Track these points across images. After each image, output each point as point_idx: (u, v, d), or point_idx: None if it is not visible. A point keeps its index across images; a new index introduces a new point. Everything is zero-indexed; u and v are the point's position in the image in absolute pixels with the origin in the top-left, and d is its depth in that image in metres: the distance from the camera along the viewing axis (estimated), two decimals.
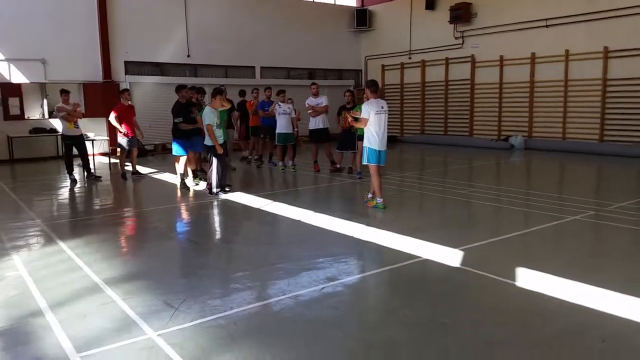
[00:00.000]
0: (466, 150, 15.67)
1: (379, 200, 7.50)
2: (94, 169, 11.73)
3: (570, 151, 14.03)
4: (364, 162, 7.63)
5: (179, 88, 9.91)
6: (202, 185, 9.73)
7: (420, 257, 5.16)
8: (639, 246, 5.77)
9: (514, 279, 4.48)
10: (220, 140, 8.69)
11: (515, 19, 15.67)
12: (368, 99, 7.54)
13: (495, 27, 16.25)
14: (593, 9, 13.86)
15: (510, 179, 10.97)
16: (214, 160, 8.68)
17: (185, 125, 9.58)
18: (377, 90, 7.56)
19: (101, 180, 11.03)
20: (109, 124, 15.29)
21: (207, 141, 8.69)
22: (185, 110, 9.64)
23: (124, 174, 11.14)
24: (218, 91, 8.92)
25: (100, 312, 3.98)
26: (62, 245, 5.91)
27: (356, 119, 7.89)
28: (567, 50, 14.52)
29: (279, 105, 11.71)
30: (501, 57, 16.20)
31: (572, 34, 14.45)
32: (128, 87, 11.99)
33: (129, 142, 11.23)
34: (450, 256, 5.13)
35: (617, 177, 10.75)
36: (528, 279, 4.47)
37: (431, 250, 5.36)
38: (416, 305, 4.03)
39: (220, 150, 8.62)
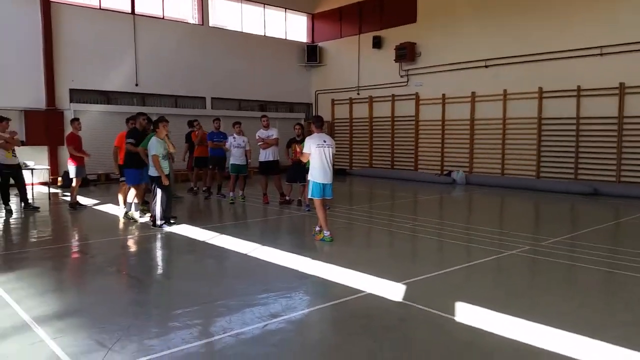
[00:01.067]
0: (411, 183, 16.10)
1: (326, 233, 7.56)
2: (32, 199, 11.21)
3: (508, 187, 14.67)
4: (309, 196, 7.79)
5: (137, 116, 9.84)
6: (147, 217, 9.47)
7: (364, 291, 5.20)
8: (573, 281, 6.05)
9: (454, 314, 4.58)
10: (166, 171, 8.55)
11: (456, 59, 16.49)
12: (312, 133, 7.77)
13: (438, 66, 17.02)
14: (529, 52, 14.79)
15: (452, 213, 11.33)
16: (159, 192, 8.50)
17: (132, 147, 9.30)
18: (320, 125, 7.84)
19: (39, 211, 10.55)
20: (52, 152, 14.72)
21: (152, 172, 8.52)
22: (141, 137, 9.40)
23: (74, 204, 10.70)
24: (161, 119, 8.79)
25: (27, 353, 3.76)
26: None
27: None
28: (505, 90, 15.36)
29: (234, 137, 11.71)
30: (443, 95, 16.92)
31: (509, 75, 15.32)
32: (77, 117, 11.64)
33: (79, 171, 10.82)
34: (394, 290, 5.21)
35: (552, 212, 11.30)
36: (468, 314, 4.59)
37: (375, 284, 5.42)
38: (358, 341, 4.04)
39: (166, 182, 8.47)
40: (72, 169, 10.77)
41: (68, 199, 11.13)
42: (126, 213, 9.49)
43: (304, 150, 7.65)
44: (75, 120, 11.23)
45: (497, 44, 15.53)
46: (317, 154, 7.50)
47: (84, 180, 11.70)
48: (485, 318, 4.47)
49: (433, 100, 17.27)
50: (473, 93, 16.14)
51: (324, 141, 7.60)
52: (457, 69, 16.52)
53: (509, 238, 7.87)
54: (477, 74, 16.09)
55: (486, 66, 15.87)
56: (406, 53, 17.50)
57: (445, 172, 16.54)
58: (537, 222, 10.58)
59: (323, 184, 7.55)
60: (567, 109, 14.18)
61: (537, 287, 5.78)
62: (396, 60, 17.90)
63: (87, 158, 10.92)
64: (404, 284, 5.42)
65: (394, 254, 7.30)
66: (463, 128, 16.55)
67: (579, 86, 13.89)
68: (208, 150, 12.65)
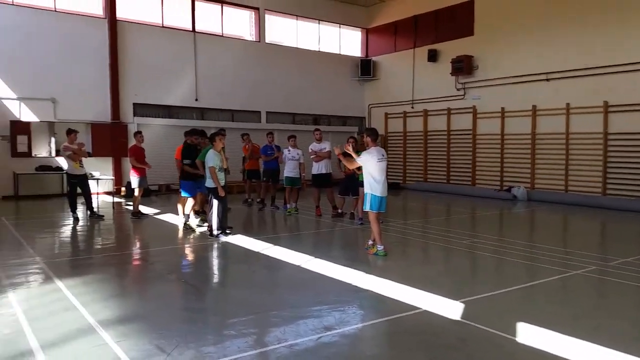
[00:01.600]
0: (469, 199, 15.68)
1: (380, 247, 7.44)
2: (97, 207, 11.76)
3: (572, 204, 14.00)
4: (365, 209, 7.65)
5: (190, 132, 10.26)
6: (205, 226, 9.71)
7: (420, 308, 5.08)
8: None
9: (515, 335, 4.39)
10: (222, 183, 8.75)
11: (516, 72, 16.04)
12: (368, 146, 7.64)
13: (497, 79, 16.60)
14: (593, 64, 14.18)
15: (513, 231, 10.92)
16: (215, 203, 8.71)
17: (189, 168, 9.70)
18: (376, 138, 7.69)
19: (104, 219, 11.05)
20: (116, 163, 15.44)
21: (209, 183, 8.75)
22: (195, 154, 9.79)
23: (137, 213, 11.19)
24: (217, 133, 9.04)
25: (92, 354, 3.91)
26: (60, 284, 5.86)
27: (344, 154, 7.91)
28: (567, 104, 14.76)
29: (289, 150, 11.89)
30: (502, 109, 16.46)
31: (572, 88, 14.72)
32: (140, 130, 12.28)
33: (141, 182, 11.26)
34: (451, 308, 5.05)
35: (620, 231, 10.68)
36: (530, 335, 4.38)
37: (431, 301, 5.28)
38: (414, 358, 3.94)
39: (222, 193, 8.66)
40: (134, 179, 11.22)
41: (131, 208, 11.59)
42: (185, 223, 9.78)
43: (362, 162, 7.52)
44: (138, 133, 11.72)
45: (558, 57, 14.99)
46: (377, 168, 7.40)
47: (145, 191, 12.16)
48: (549, 340, 4.25)
49: (491, 114, 16.83)
50: (534, 107, 15.60)
51: (383, 155, 7.53)
52: (517, 82, 16.05)
53: (574, 257, 7.49)
54: (537, 87, 15.56)
55: (547, 79, 15.33)
56: (463, 66, 17.20)
57: (505, 188, 16.02)
58: (604, 241, 10.03)
59: (381, 197, 7.45)
60: (636, 124, 13.43)
61: (604, 309, 5.45)
62: (452, 74, 17.62)
63: (148, 169, 11.35)
64: (462, 302, 5.24)
65: (450, 271, 7.11)
66: (524, 142, 16.00)
67: None
68: (259, 163, 12.90)
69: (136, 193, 11.32)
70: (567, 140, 14.88)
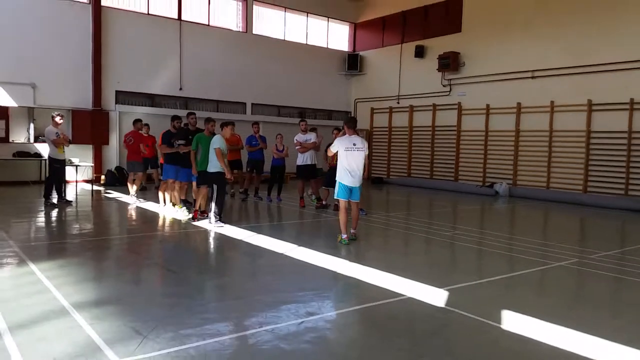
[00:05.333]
0: (451, 194, 15.72)
1: (344, 236, 7.44)
2: (76, 195, 11.50)
3: (554, 200, 14.12)
4: (335, 196, 7.73)
5: (188, 115, 10.33)
6: (187, 214, 9.54)
7: (403, 295, 5.01)
8: (625, 294, 5.69)
9: (499, 322, 4.34)
10: (220, 170, 8.57)
11: (502, 70, 16.10)
12: (344, 135, 7.77)
13: (482, 76, 16.65)
14: (578, 63, 14.29)
15: (494, 224, 10.95)
16: (216, 189, 8.53)
17: (184, 148, 9.57)
18: (353, 126, 7.73)
19: (71, 205, 10.82)
20: (96, 151, 15.30)
21: (212, 168, 8.56)
22: (187, 136, 9.70)
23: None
24: (227, 123, 9.01)
25: (63, 336, 3.75)
26: (33, 267, 5.66)
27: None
28: (552, 102, 14.86)
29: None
30: (487, 105, 16.52)
31: (557, 86, 14.83)
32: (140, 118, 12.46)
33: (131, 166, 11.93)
34: (434, 296, 4.99)
35: (601, 227, 10.78)
36: (514, 322, 4.34)
37: (414, 288, 5.22)
38: (397, 343, 3.86)
39: (229, 175, 8.51)
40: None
41: (111, 196, 11.35)
42: (188, 209, 9.69)
43: (331, 148, 7.71)
44: (137, 121, 12.32)
45: (545, 55, 15.07)
46: (343, 157, 7.44)
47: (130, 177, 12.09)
48: (534, 327, 4.21)
49: (476, 111, 16.89)
50: (519, 104, 15.68)
51: (354, 144, 7.46)
52: (503, 80, 16.11)
53: (555, 250, 7.50)
54: (523, 84, 15.64)
55: (533, 77, 15.42)
56: (449, 62, 17.22)
57: (487, 184, 16.09)
58: (585, 235, 10.10)
59: (349, 186, 7.46)
60: (619, 123, 13.58)
61: (586, 300, 5.46)
62: (439, 70, 17.63)
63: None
64: (445, 290, 5.19)
65: (433, 261, 7.06)
66: (507, 139, 16.09)
67: (632, 99, 13.29)
68: (240, 154, 12.67)
69: (135, 177, 11.87)
70: (550, 137, 14.99)
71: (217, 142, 8.53)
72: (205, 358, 3.46)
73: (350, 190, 7.50)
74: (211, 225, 8.55)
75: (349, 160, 7.42)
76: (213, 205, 8.62)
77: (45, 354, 3.42)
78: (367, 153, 7.64)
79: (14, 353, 3.42)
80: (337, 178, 7.57)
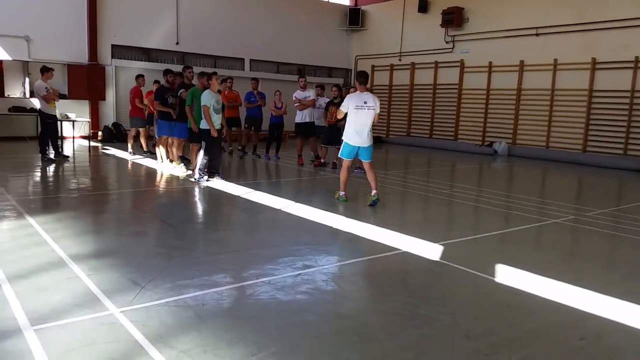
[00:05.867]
0: (450, 153, 15.67)
1: (341, 193, 7.39)
2: (73, 150, 11.47)
3: (553, 160, 14.10)
4: (339, 155, 7.50)
5: (184, 69, 10.12)
6: (180, 170, 9.52)
7: (399, 249, 5.05)
8: (619, 250, 5.74)
9: (493, 275, 4.39)
10: (217, 125, 8.47)
11: (506, 26, 15.74)
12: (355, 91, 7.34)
13: (486, 33, 16.29)
14: (583, 20, 13.96)
15: (492, 183, 10.96)
16: (204, 145, 8.46)
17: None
18: (364, 82, 7.25)
19: (69, 160, 10.81)
20: (93, 106, 15.08)
21: (203, 124, 8.47)
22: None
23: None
24: (214, 74, 8.61)
25: (61, 286, 3.78)
26: (31, 220, 5.68)
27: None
28: (555, 60, 14.61)
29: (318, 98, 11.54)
30: (490, 63, 16.24)
31: (561, 44, 14.54)
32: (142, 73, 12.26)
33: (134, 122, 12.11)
34: (430, 250, 5.03)
35: (599, 186, 10.80)
36: (508, 275, 4.38)
37: (410, 243, 5.25)
38: (393, 294, 3.91)
39: (214, 133, 8.37)
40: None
41: (108, 152, 11.30)
42: (176, 165, 9.69)
43: (341, 108, 7.29)
44: (140, 76, 12.23)
45: (549, 12, 14.71)
46: (352, 115, 7.07)
47: (124, 135, 12.04)
48: (527, 280, 4.26)
49: (479, 69, 16.61)
50: (521, 62, 15.42)
51: (365, 102, 7.03)
52: (506, 37, 15.77)
53: (552, 208, 7.53)
54: (526, 42, 15.33)
55: (537, 34, 15.09)
56: (453, 18, 16.81)
57: (486, 143, 16.01)
58: (581, 194, 10.13)
59: (356, 146, 7.17)
60: (622, 82, 13.39)
61: (581, 255, 5.51)
62: (442, 26, 17.23)
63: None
64: (441, 244, 5.23)
65: (430, 217, 7.11)
66: (509, 98, 15.90)
67: (637, 57, 13.06)
68: (238, 111, 12.54)
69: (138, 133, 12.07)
70: (552, 96, 14.82)
71: (205, 99, 8.31)
72: (203, 307, 3.50)
73: (356, 150, 7.22)
74: (196, 180, 8.52)
75: (357, 118, 7.04)
76: (199, 160, 8.54)
77: (43, 303, 3.46)
78: (378, 112, 7.19)
79: (13, 302, 3.45)
80: (343, 137, 7.27)
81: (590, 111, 14.07)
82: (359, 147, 7.18)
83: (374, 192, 7.17)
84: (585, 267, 4.90)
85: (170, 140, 9.80)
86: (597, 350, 3.18)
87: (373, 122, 7.20)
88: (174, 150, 9.83)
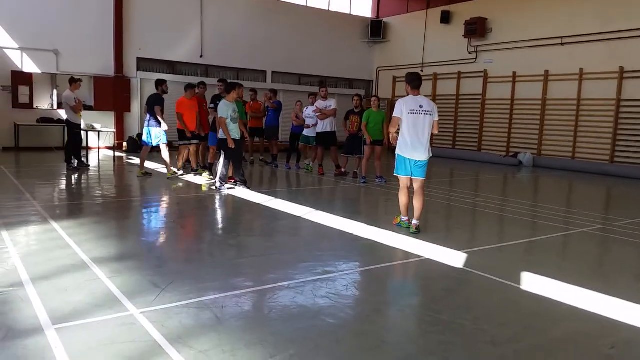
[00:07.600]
0: (474, 164, 15.47)
1: (404, 218, 6.23)
2: (99, 160, 11.68)
3: (579, 171, 13.79)
4: (395, 173, 6.24)
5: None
6: (204, 178, 9.60)
7: (421, 256, 4.96)
8: None
9: (519, 283, 4.27)
10: (235, 135, 8.54)
11: (530, 36, 15.55)
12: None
13: (510, 43, 16.13)
14: (609, 29, 13.71)
15: (517, 192, 10.74)
16: (223, 155, 8.55)
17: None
18: (417, 86, 6.00)
19: (89, 168, 11.10)
20: (118, 117, 15.23)
21: (221, 134, 8.55)
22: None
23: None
24: (233, 86, 8.69)
25: (83, 288, 3.81)
26: (55, 225, 5.76)
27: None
28: (581, 69, 14.35)
29: (307, 108, 11.67)
30: (514, 73, 16.05)
31: (587, 53, 14.29)
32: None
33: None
34: (453, 258, 4.93)
35: (627, 196, 10.50)
36: (534, 283, 4.26)
37: (433, 251, 5.16)
38: (415, 300, 3.84)
39: (231, 144, 8.44)
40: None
41: (133, 162, 11.47)
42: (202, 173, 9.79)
43: (394, 114, 5.92)
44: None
45: (573, 21, 14.49)
46: (405, 122, 5.84)
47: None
48: (553, 289, 4.13)
49: (502, 79, 16.42)
50: (546, 72, 15.19)
51: (420, 106, 5.85)
52: (530, 47, 15.58)
53: (579, 217, 7.33)
54: (551, 51, 15.10)
55: (562, 44, 14.87)
56: (476, 29, 16.69)
57: (511, 154, 15.76)
58: (610, 204, 9.85)
59: (409, 159, 5.93)
60: None
61: (609, 264, 5.35)
62: (465, 36, 17.13)
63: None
64: (464, 252, 5.12)
65: (453, 226, 6.98)
66: (534, 108, 15.64)
67: None
68: (261, 122, 12.66)
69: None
70: (578, 106, 14.53)
71: (221, 111, 8.41)
72: (222, 309, 3.47)
73: (410, 163, 5.96)
74: (217, 189, 8.58)
75: (413, 126, 5.81)
76: (219, 170, 8.64)
77: (65, 303, 3.48)
78: (436, 119, 5.99)
79: (36, 302, 3.48)
80: (397, 149, 6.04)
81: (618, 121, 13.74)
82: (415, 160, 5.95)
83: (414, 222, 5.96)
84: (614, 276, 4.74)
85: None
86: (627, 359, 3.05)
87: (432, 132, 6.00)
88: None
